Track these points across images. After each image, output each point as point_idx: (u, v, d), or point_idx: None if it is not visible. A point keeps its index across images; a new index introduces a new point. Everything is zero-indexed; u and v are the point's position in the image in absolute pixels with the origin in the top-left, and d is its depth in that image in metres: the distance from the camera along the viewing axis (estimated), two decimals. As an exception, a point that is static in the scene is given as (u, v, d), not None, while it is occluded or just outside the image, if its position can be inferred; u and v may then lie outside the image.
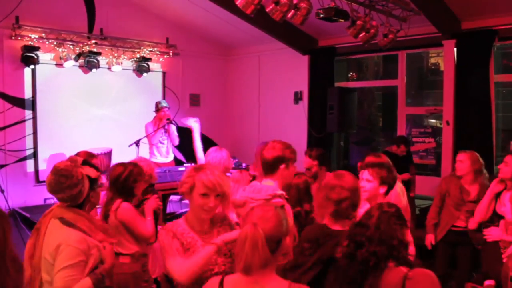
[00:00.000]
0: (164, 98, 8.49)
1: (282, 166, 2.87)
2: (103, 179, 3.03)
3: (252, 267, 1.75)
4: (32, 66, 7.00)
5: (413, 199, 6.25)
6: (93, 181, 2.35)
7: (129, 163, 3.39)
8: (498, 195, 3.78)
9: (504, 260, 2.71)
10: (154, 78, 8.58)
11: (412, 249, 2.59)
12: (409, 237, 2.17)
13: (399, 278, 1.90)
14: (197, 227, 2.34)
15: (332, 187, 2.50)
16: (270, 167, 2.87)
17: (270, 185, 2.83)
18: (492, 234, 3.20)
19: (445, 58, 6.77)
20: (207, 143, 6.20)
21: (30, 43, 6.91)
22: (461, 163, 4.22)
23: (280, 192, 2.77)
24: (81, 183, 2.28)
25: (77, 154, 4.37)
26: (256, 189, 2.78)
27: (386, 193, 2.92)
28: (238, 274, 1.83)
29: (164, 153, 7.18)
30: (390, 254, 1.96)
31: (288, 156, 2.90)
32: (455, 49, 6.52)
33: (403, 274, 1.92)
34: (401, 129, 7.52)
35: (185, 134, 8.29)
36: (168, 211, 6.45)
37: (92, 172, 2.34)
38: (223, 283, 1.85)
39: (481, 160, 4.20)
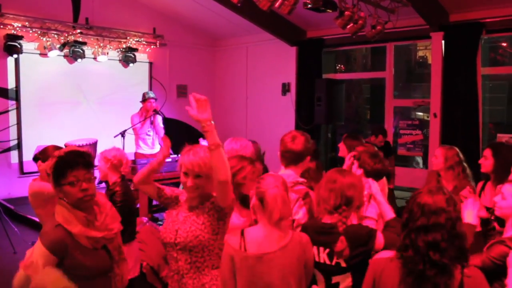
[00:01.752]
0: (151, 89, 8.41)
1: (308, 158, 2.95)
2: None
3: (283, 218, 2.24)
4: (15, 56, 6.87)
5: (392, 190, 6.25)
6: (52, 176, 2.30)
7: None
8: (482, 189, 3.78)
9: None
10: (140, 68, 8.48)
11: None
12: None
13: (458, 275, 1.85)
14: (188, 202, 2.48)
15: (332, 180, 2.48)
16: (296, 159, 2.92)
17: (289, 173, 2.87)
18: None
19: (432, 50, 6.78)
20: (195, 134, 6.17)
21: (13, 32, 6.78)
22: (436, 158, 4.14)
23: (301, 179, 2.88)
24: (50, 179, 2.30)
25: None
26: None
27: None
28: (257, 225, 2.32)
29: (150, 145, 7.12)
30: (463, 256, 1.89)
31: (313, 148, 3.00)
32: (443, 41, 6.53)
33: (459, 271, 1.87)
34: (389, 122, 7.53)
35: (170, 125, 8.26)
36: (154, 202, 6.40)
37: (47, 167, 2.33)
38: (244, 233, 2.28)
39: (460, 156, 4.05)
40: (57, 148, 4.02)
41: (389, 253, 2.01)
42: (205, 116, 2.11)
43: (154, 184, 2.63)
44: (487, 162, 3.75)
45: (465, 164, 3.93)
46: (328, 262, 2.38)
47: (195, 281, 2.39)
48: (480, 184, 3.92)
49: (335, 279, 2.38)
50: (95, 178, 2.32)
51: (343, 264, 2.35)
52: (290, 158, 2.93)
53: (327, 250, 2.38)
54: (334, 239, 2.33)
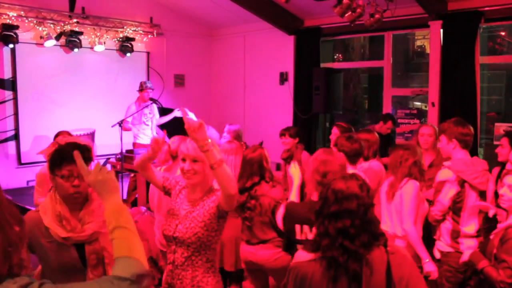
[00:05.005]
0: (148, 78, 8.37)
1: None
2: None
3: None
4: (11, 45, 6.81)
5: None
6: (48, 164, 2.30)
7: None
8: (498, 177, 3.82)
9: (491, 237, 2.72)
10: (138, 58, 8.43)
11: None
12: None
13: (383, 255, 1.87)
14: (190, 194, 2.51)
15: (323, 161, 2.60)
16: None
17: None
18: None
19: (431, 39, 6.75)
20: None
21: (8, 21, 6.72)
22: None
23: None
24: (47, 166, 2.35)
25: (57, 135, 4.34)
26: None
27: None
28: None
29: (150, 135, 7.12)
30: (376, 240, 1.89)
31: None
32: (441, 30, 6.50)
33: (383, 251, 1.88)
34: (387, 111, 7.51)
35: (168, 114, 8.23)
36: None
37: (47, 153, 2.33)
38: None
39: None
40: (69, 134, 4.15)
41: (307, 255, 1.95)
42: (203, 136, 2.13)
43: (154, 170, 2.65)
44: (504, 150, 3.80)
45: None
46: None
47: (187, 273, 2.43)
48: (496, 171, 3.97)
49: None
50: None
51: None
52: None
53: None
54: None
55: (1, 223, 1.26)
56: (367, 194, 1.89)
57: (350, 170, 3.46)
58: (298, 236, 2.62)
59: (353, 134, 3.79)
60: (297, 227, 2.62)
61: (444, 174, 3.33)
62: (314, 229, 2.39)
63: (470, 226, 3.30)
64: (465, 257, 2.83)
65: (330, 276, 1.84)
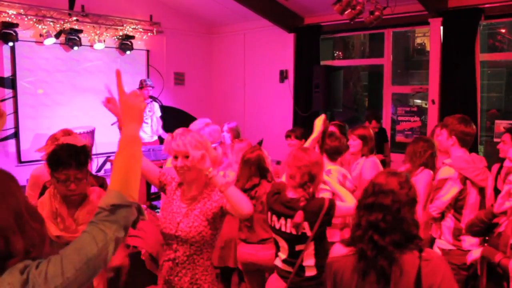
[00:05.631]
0: (148, 76, 8.37)
1: None
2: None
3: None
4: (11, 43, 6.81)
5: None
6: (47, 164, 2.31)
7: None
8: (498, 173, 3.83)
9: (502, 229, 2.71)
10: (138, 56, 8.43)
11: None
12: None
13: (415, 260, 1.82)
14: (186, 192, 2.49)
15: (298, 157, 2.68)
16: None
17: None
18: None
19: (431, 36, 6.75)
20: (192, 121, 6.12)
21: (8, 19, 6.71)
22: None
23: None
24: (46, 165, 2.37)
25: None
26: None
27: None
28: None
29: (149, 133, 7.12)
30: (409, 243, 1.86)
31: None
32: (441, 27, 6.49)
33: (417, 255, 1.83)
34: (387, 108, 7.53)
35: (168, 112, 8.24)
36: (153, 190, 6.41)
37: (46, 152, 2.33)
38: None
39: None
40: (69, 132, 4.07)
41: (343, 249, 1.97)
42: (207, 165, 2.29)
43: (149, 163, 2.62)
44: (506, 146, 3.79)
45: None
46: (294, 232, 2.63)
47: (188, 271, 2.42)
48: (496, 167, 3.96)
49: (298, 247, 2.64)
50: (87, 175, 2.30)
51: (309, 234, 2.59)
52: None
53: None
54: (296, 213, 2.59)
55: (22, 224, 1.26)
56: (406, 193, 1.87)
57: (330, 166, 3.59)
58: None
59: (335, 131, 3.98)
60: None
61: (445, 171, 3.32)
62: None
63: None
64: (475, 254, 2.80)
65: (359, 269, 1.85)
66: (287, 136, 5.34)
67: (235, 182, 3.63)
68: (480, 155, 3.41)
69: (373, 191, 1.90)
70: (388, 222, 1.82)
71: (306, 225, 2.61)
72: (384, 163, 5.91)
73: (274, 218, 2.74)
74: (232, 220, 3.78)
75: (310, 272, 2.63)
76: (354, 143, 4.19)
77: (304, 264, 2.63)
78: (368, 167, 4.06)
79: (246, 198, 2.34)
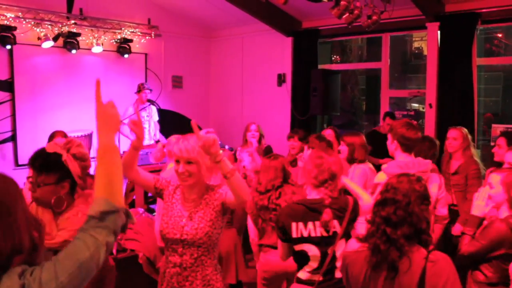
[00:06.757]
0: (146, 80, 8.37)
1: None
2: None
3: None
4: (8, 46, 6.80)
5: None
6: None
7: None
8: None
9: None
10: (136, 59, 8.43)
11: None
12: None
13: (421, 260, 1.91)
14: (187, 194, 2.48)
15: (317, 157, 2.74)
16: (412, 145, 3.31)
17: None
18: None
19: (428, 41, 6.77)
20: (190, 125, 6.12)
21: (6, 22, 6.71)
22: (455, 140, 4.32)
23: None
24: None
25: (52, 135, 4.32)
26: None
27: None
28: None
29: (147, 137, 7.12)
30: (418, 238, 1.97)
31: None
32: (439, 32, 6.52)
33: (424, 255, 1.92)
34: (384, 112, 7.52)
35: (166, 116, 8.25)
36: (150, 193, 6.39)
37: None
38: None
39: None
40: (64, 135, 4.05)
41: (357, 244, 2.13)
42: (215, 150, 2.18)
43: (141, 171, 2.52)
44: (501, 150, 3.80)
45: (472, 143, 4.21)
46: (325, 234, 2.60)
47: (198, 274, 2.42)
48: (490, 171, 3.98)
49: (330, 250, 2.60)
50: (53, 184, 2.22)
51: (339, 232, 2.58)
52: (408, 144, 3.31)
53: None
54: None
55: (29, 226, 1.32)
56: (416, 189, 2.01)
57: None
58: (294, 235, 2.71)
59: (323, 134, 4.23)
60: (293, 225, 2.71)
61: (378, 177, 3.30)
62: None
63: None
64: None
65: (371, 263, 1.97)
66: (290, 137, 5.34)
67: (257, 185, 3.60)
68: (426, 160, 3.35)
69: (385, 189, 2.06)
70: (399, 215, 1.96)
71: (336, 223, 2.60)
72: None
73: (301, 226, 2.65)
74: (230, 233, 3.78)
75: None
76: (342, 148, 4.18)
77: (337, 264, 2.59)
78: (357, 174, 4.00)
79: (247, 186, 2.37)
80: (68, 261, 1.27)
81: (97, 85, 1.65)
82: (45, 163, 2.22)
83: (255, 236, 3.66)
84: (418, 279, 1.87)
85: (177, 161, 2.40)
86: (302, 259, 2.68)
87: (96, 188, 1.43)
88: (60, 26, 7.24)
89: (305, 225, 2.63)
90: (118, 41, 8.01)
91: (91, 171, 2.31)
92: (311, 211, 2.64)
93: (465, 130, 4.33)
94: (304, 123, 7.83)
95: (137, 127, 2.27)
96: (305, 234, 2.63)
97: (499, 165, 3.86)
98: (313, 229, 2.62)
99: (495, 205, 2.79)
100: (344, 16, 5.47)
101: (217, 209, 2.42)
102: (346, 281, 2.11)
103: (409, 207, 1.96)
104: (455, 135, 4.32)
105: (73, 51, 7.39)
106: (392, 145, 3.32)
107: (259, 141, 5.63)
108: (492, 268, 2.64)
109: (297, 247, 2.68)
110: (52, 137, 4.29)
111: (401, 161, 3.28)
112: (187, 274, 2.41)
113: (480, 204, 2.86)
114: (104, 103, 1.65)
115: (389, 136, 3.36)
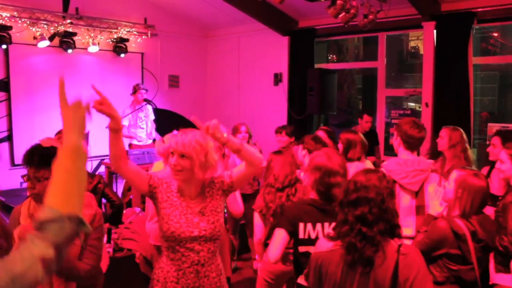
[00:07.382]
0: (142, 79, 8.36)
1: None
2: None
3: None
4: (4, 46, 6.78)
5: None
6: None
7: None
8: (487, 176, 3.83)
9: None
10: (132, 59, 8.41)
11: None
12: None
13: (393, 253, 1.92)
14: (186, 190, 2.42)
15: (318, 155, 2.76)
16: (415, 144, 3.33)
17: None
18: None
19: (424, 40, 6.79)
20: (186, 124, 6.13)
21: (1, 21, 6.69)
22: (441, 139, 4.29)
23: None
24: None
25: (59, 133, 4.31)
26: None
27: None
28: None
29: (145, 138, 7.11)
30: (392, 232, 1.98)
31: None
32: (435, 31, 6.54)
33: (395, 249, 1.94)
34: (381, 111, 7.55)
35: (162, 115, 8.22)
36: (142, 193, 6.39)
37: None
38: None
39: (463, 137, 4.19)
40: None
41: (328, 244, 2.07)
42: (220, 134, 2.29)
43: (134, 166, 2.43)
44: (496, 150, 3.79)
45: (467, 146, 4.11)
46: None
47: (213, 266, 2.42)
48: (485, 170, 3.98)
49: None
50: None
51: None
52: (415, 143, 3.35)
53: (333, 224, 2.41)
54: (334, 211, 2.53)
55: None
56: (385, 186, 2.01)
57: None
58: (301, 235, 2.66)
59: (318, 136, 4.15)
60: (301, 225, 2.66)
61: None
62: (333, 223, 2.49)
63: (409, 228, 3.21)
64: None
65: (347, 261, 1.95)
66: (278, 132, 5.34)
67: (273, 181, 3.57)
68: (428, 160, 3.36)
69: (355, 187, 2.03)
70: (374, 213, 1.95)
71: None
72: (374, 165, 5.91)
73: (309, 227, 2.59)
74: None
75: None
76: (339, 146, 4.21)
77: None
78: (350, 173, 4.02)
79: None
80: (2, 271, 1.12)
81: (61, 84, 1.49)
82: (45, 157, 2.19)
83: (263, 235, 3.55)
84: (392, 272, 1.89)
85: (172, 153, 2.36)
86: (305, 262, 2.54)
87: (47, 193, 1.26)
88: (56, 25, 7.22)
89: (314, 227, 2.59)
90: (114, 40, 7.99)
91: (88, 169, 2.32)
92: (320, 212, 2.59)
93: (457, 129, 4.28)
94: (301, 123, 7.84)
95: (104, 106, 2.11)
96: (313, 236, 2.57)
97: (492, 164, 3.87)
98: (322, 231, 2.56)
99: (448, 203, 2.78)
100: (340, 16, 5.48)
101: (219, 192, 2.45)
102: (318, 281, 2.06)
103: (384, 204, 1.97)
104: (442, 134, 4.30)
105: (69, 51, 7.37)
106: (396, 141, 3.39)
107: (248, 142, 5.65)
108: (439, 268, 2.64)
109: (302, 249, 2.60)
110: (58, 134, 4.29)
111: (400, 159, 3.31)
112: (204, 269, 2.37)
113: (435, 203, 2.89)
114: (69, 103, 1.50)
115: (394, 132, 3.43)
